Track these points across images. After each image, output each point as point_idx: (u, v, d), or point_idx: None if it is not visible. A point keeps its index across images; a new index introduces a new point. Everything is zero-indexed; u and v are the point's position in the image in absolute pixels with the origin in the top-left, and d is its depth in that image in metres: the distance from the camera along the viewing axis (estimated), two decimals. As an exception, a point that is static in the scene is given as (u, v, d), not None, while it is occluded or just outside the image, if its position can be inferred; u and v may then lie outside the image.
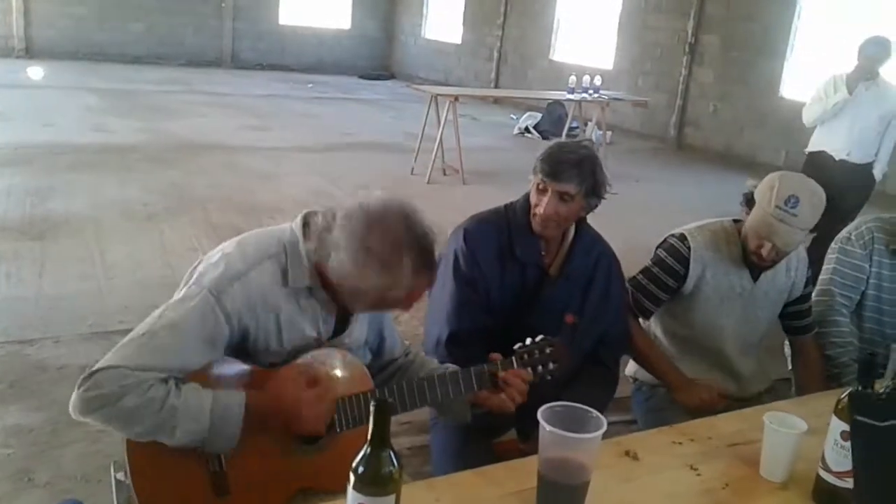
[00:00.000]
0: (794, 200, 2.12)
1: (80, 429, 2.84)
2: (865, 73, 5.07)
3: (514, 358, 1.78)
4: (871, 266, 2.52)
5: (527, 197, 2.17)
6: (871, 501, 0.74)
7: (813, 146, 5.39)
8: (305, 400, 1.61)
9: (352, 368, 1.73)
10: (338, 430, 1.68)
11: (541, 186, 2.08)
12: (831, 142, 5.21)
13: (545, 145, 2.16)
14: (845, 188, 4.73)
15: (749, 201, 2.26)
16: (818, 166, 5.08)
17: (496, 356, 1.78)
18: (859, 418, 0.84)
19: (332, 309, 1.72)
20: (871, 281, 2.53)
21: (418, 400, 1.74)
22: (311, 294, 1.68)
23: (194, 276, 1.64)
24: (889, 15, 8.39)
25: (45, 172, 6.91)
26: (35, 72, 13.22)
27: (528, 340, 1.79)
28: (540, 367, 1.79)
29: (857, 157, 5.16)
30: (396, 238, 1.57)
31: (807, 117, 5.36)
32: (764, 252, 2.20)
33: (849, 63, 5.16)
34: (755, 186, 2.25)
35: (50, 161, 7.32)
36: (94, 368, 1.49)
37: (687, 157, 10.78)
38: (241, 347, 1.65)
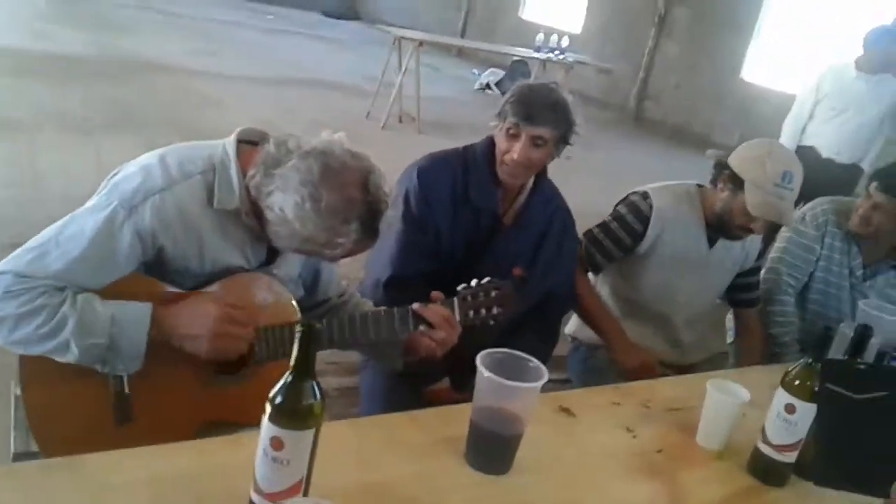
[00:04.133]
0: (789, 175, 2.09)
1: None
2: (876, 66, 4.49)
3: (455, 299, 1.66)
4: (822, 248, 2.51)
5: (488, 141, 2.06)
6: (829, 471, 0.68)
7: (804, 140, 4.75)
8: (221, 321, 1.46)
9: (278, 297, 1.60)
10: (258, 360, 1.55)
11: (512, 131, 1.96)
12: (821, 137, 4.66)
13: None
14: (823, 190, 3.44)
15: (730, 176, 2.19)
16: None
17: (437, 294, 1.66)
18: (830, 387, 0.77)
19: (261, 239, 1.58)
20: (821, 263, 2.52)
21: (337, 337, 1.61)
22: (237, 219, 1.53)
23: (108, 186, 1.48)
24: (853, 8, 8.42)
25: (-22, 74, 6.55)
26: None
27: (474, 282, 1.67)
28: (483, 311, 1.66)
29: (844, 158, 4.63)
30: (351, 199, 1.43)
31: (785, 134, 4.78)
32: (756, 228, 2.17)
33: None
34: (723, 156, 2.19)
35: (-15, 63, 6.94)
36: None
37: (644, 129, 10.78)
38: (157, 268, 1.50)
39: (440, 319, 1.61)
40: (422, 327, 1.61)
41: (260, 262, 1.62)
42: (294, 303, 1.63)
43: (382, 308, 1.65)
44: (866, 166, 4.67)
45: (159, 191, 1.46)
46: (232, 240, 1.55)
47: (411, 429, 1.44)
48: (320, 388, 1.06)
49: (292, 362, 1.04)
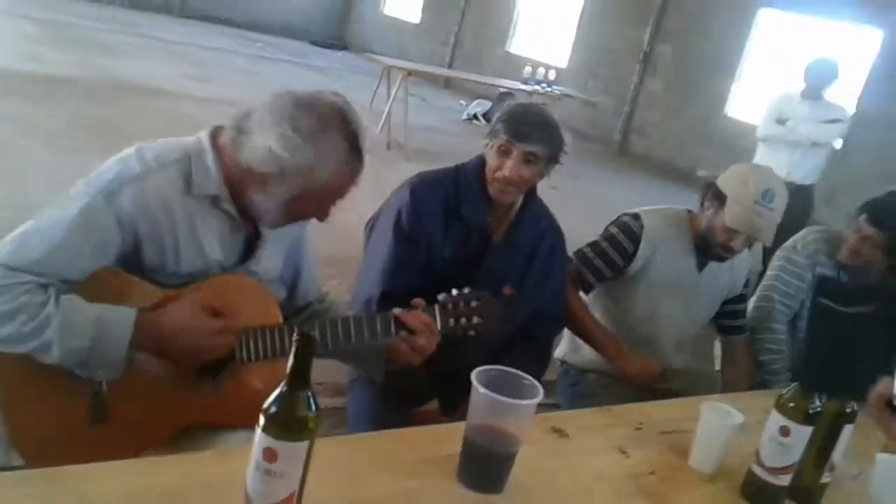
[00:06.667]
0: (770, 194, 2.12)
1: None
2: (812, 93, 5.14)
3: (436, 306, 1.63)
4: (813, 276, 2.52)
5: (479, 159, 2.06)
6: (816, 378, 0.77)
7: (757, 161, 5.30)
8: (205, 330, 1.46)
9: (260, 298, 1.58)
10: (239, 362, 1.53)
11: (503, 148, 1.97)
12: (774, 160, 5.03)
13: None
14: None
15: (714, 193, 2.22)
16: None
17: (419, 301, 1.64)
18: (821, 300, 0.84)
19: (239, 229, 1.58)
20: (811, 291, 2.53)
21: (318, 339, 1.57)
22: (216, 206, 1.53)
23: (86, 180, 1.49)
24: (836, 41, 8.59)
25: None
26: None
27: (454, 291, 1.65)
28: (463, 320, 1.63)
29: (797, 178, 5.06)
30: (327, 115, 1.46)
31: (761, 132, 5.34)
32: (736, 246, 2.20)
33: (794, 84, 5.25)
34: (713, 177, 2.21)
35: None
36: None
37: (629, 162, 10.87)
38: (134, 264, 1.49)
39: (421, 325, 1.59)
40: (402, 333, 1.60)
41: (238, 257, 1.61)
42: (275, 302, 1.62)
43: (364, 314, 1.63)
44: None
45: (138, 179, 1.47)
46: (210, 229, 1.55)
47: (401, 447, 1.42)
48: (316, 400, 1.03)
49: (287, 372, 1.02)
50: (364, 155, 1.53)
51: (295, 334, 1.01)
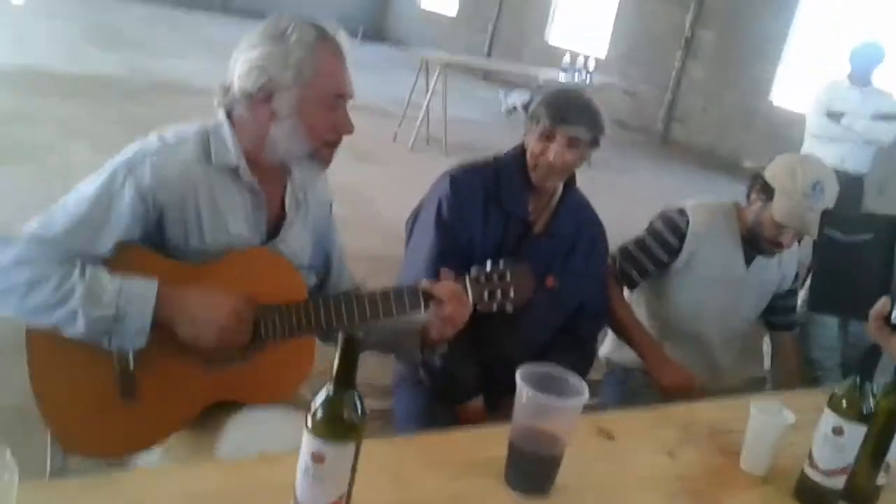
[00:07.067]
0: (819, 187, 2.07)
1: None
2: (860, 78, 5.00)
3: (466, 277, 1.61)
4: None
5: (517, 149, 2.06)
6: (823, 301, 0.89)
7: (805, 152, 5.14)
8: (230, 316, 1.47)
9: (285, 274, 1.61)
10: (262, 338, 1.54)
11: (546, 133, 1.96)
12: (824, 151, 4.85)
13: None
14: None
15: (762, 185, 2.18)
16: None
17: (446, 272, 1.62)
18: (827, 231, 0.91)
19: (262, 206, 1.61)
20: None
21: (345, 315, 1.57)
22: (237, 180, 1.58)
23: (110, 160, 1.55)
24: (883, 24, 8.35)
25: (12, 96, 6.64)
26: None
27: (488, 263, 1.62)
28: (498, 293, 1.61)
29: (849, 167, 4.92)
30: (286, 20, 1.57)
31: (813, 129, 5.14)
32: (785, 241, 2.15)
33: (841, 69, 5.11)
34: (760, 168, 2.17)
35: (20, 85, 7.04)
36: None
37: (671, 152, 10.71)
38: (158, 243, 1.53)
39: (448, 293, 1.57)
40: (431, 305, 1.59)
41: (263, 236, 1.64)
42: (301, 279, 1.64)
43: (391, 287, 1.61)
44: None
45: (157, 152, 1.52)
46: (233, 203, 1.58)
47: (449, 448, 1.42)
48: (362, 401, 1.04)
49: (333, 373, 1.02)
50: (334, 34, 1.60)
51: (340, 335, 1.00)
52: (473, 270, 1.62)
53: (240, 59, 1.56)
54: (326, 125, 1.60)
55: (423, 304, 1.58)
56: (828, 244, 0.95)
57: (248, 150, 1.59)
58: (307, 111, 1.56)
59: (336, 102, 1.59)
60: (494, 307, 1.62)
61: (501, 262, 1.63)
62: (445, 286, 1.58)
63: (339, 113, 1.61)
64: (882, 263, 0.90)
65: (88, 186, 1.50)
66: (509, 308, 1.63)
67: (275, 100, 1.55)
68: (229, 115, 1.61)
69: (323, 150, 1.62)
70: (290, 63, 1.52)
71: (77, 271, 1.41)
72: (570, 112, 1.94)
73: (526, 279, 1.63)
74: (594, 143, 2.00)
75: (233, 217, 1.58)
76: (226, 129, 1.58)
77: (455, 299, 1.57)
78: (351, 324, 1.58)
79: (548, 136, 1.96)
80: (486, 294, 1.61)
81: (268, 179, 1.63)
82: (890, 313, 0.89)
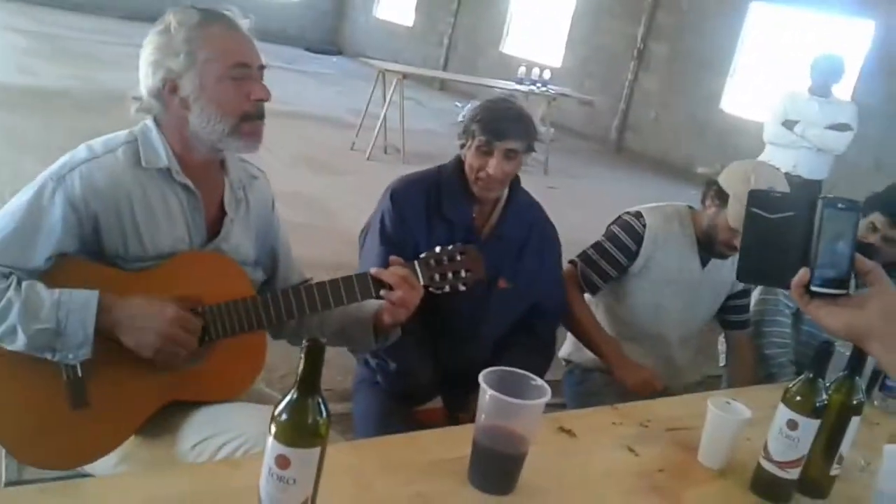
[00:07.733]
0: None
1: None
2: (819, 90, 5.11)
3: (416, 262, 1.65)
4: None
5: (458, 159, 2.08)
6: (750, 271, 1.07)
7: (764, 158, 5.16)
8: (173, 323, 1.46)
9: (231, 272, 1.61)
10: (212, 338, 1.54)
11: (484, 148, 1.99)
12: (781, 157, 4.96)
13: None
14: None
15: (717, 191, 2.22)
16: None
17: (395, 259, 1.65)
18: (753, 210, 1.07)
19: (199, 205, 1.61)
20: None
21: (296, 307, 1.58)
22: (171, 181, 1.57)
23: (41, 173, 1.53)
24: (825, 37, 8.61)
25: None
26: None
27: (438, 248, 1.66)
28: (450, 275, 1.65)
29: (804, 172, 5.10)
30: (166, 16, 1.59)
31: (769, 136, 5.28)
32: (739, 244, 2.18)
33: (791, 82, 5.24)
34: (715, 174, 2.21)
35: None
36: None
37: (625, 160, 10.88)
38: (97, 253, 1.51)
39: (397, 278, 1.60)
40: (382, 292, 1.61)
41: (204, 237, 1.63)
42: (246, 275, 1.64)
43: (341, 277, 1.63)
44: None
45: (85, 161, 1.52)
46: (168, 206, 1.57)
47: (411, 450, 1.42)
48: (326, 405, 1.04)
49: (297, 379, 1.02)
50: (222, 11, 1.61)
51: (304, 341, 1.01)
52: (423, 255, 1.66)
53: (140, 64, 1.59)
54: (237, 97, 1.58)
55: (373, 290, 1.61)
56: (754, 221, 1.06)
57: (177, 151, 1.59)
58: (212, 88, 1.56)
59: (241, 72, 1.58)
60: (447, 287, 1.66)
61: (451, 246, 1.67)
62: (394, 272, 1.61)
63: (247, 82, 1.59)
64: (802, 238, 1.02)
65: (18, 200, 1.48)
66: (461, 287, 1.67)
67: (180, 88, 1.56)
68: (156, 119, 1.61)
69: (244, 125, 1.60)
70: (178, 48, 1.54)
71: (13, 287, 1.40)
72: (503, 125, 1.97)
73: (477, 258, 1.67)
74: (529, 149, 2.04)
75: (169, 220, 1.57)
76: (153, 133, 1.59)
77: (405, 283, 1.61)
78: (302, 315, 1.60)
79: (486, 152, 1.99)
80: (436, 276, 1.65)
81: (204, 179, 1.63)
82: (809, 282, 0.99)
